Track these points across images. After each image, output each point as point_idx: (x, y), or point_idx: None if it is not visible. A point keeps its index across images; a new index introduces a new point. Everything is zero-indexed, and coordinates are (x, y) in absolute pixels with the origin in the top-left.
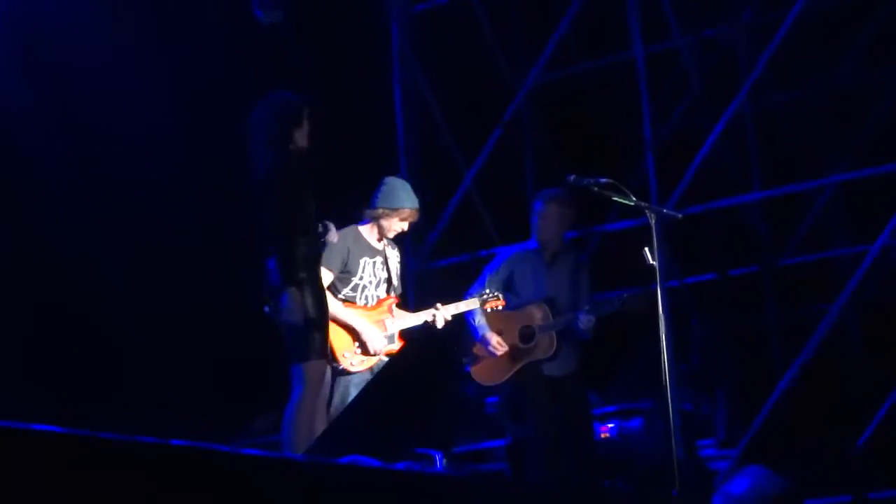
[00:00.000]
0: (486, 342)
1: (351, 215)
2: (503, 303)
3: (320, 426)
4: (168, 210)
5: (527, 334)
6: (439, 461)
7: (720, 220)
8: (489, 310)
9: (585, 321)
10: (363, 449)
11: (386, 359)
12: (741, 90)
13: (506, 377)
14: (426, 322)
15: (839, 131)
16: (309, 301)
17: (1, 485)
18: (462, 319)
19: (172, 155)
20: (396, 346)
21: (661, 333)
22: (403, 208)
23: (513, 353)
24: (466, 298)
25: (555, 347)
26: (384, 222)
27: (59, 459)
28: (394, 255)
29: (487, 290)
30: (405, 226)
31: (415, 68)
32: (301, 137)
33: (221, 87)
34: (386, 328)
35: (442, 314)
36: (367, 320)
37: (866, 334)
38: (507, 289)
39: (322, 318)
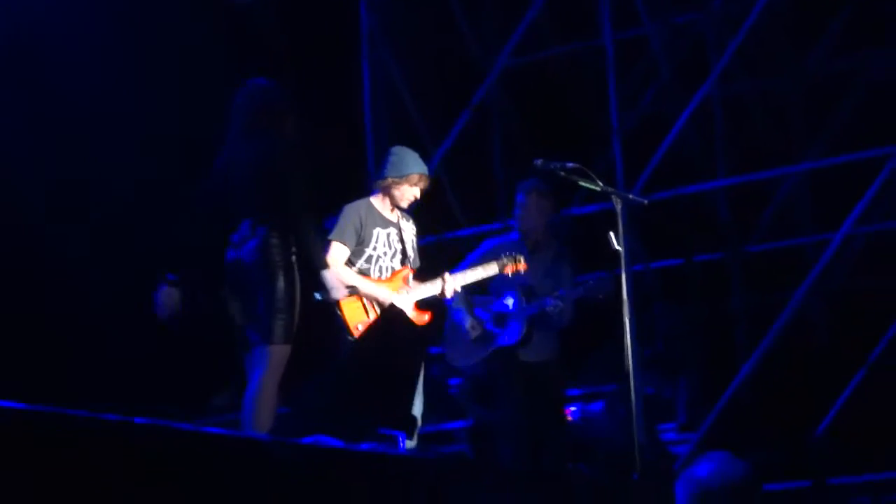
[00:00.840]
0: (462, 322)
1: (321, 195)
2: (525, 266)
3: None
4: (131, 189)
5: (498, 321)
6: (402, 442)
7: (687, 207)
8: (509, 274)
9: (552, 306)
10: (327, 429)
11: None
12: (709, 77)
13: (478, 359)
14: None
15: (807, 120)
16: (293, 285)
17: None
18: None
19: (140, 138)
20: (413, 316)
21: (624, 318)
22: (412, 174)
23: (486, 337)
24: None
25: (523, 334)
26: (395, 191)
27: (23, 435)
28: (409, 228)
29: (507, 253)
30: (416, 192)
31: (383, 49)
32: (290, 126)
33: (193, 70)
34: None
35: (451, 284)
36: (387, 287)
37: (830, 322)
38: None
39: (297, 302)
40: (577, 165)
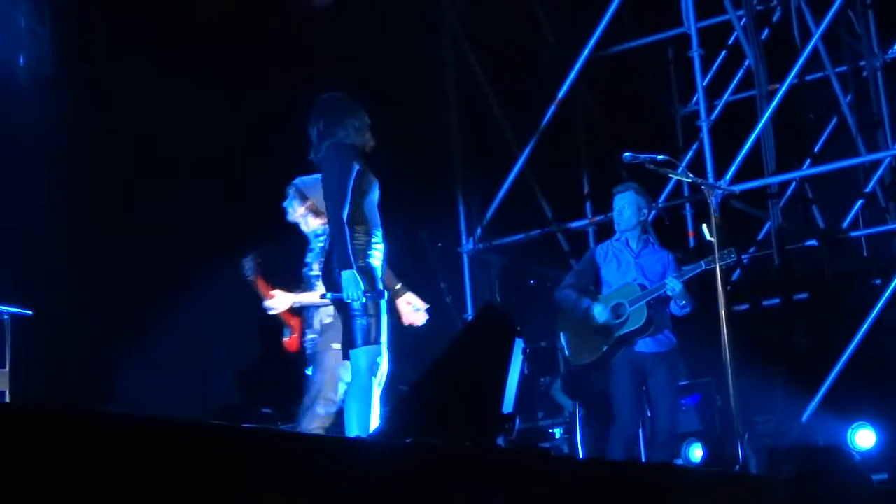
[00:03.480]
0: (590, 311)
1: (401, 201)
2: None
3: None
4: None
5: (618, 311)
6: (501, 440)
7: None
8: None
9: (674, 286)
10: (427, 429)
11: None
12: (796, 65)
13: (599, 354)
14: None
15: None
16: (364, 289)
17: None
18: (533, 300)
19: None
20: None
21: (720, 310)
22: None
23: (605, 330)
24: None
25: (645, 318)
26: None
27: (155, 446)
28: (317, 242)
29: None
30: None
31: (464, 46)
32: (353, 133)
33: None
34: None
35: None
36: None
37: None
38: (597, 280)
39: (374, 307)
40: (667, 157)
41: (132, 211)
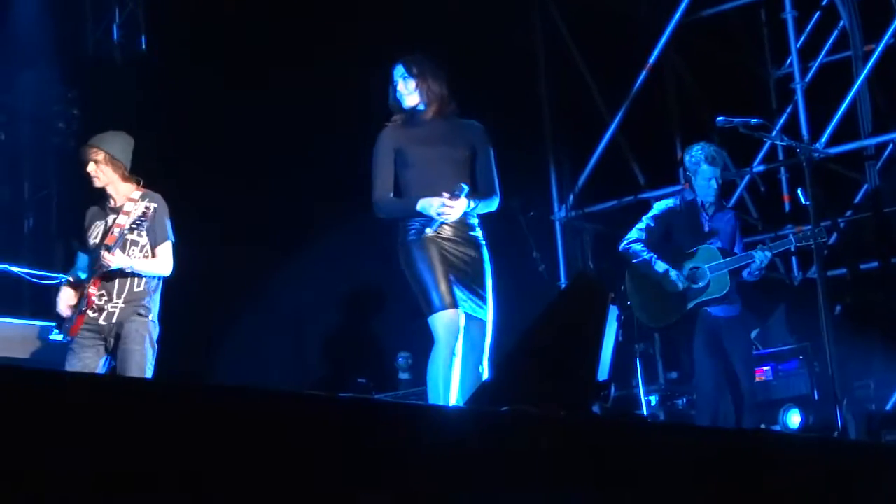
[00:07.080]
0: (668, 276)
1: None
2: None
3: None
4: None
5: (695, 275)
6: (597, 407)
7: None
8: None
9: (763, 259)
10: (522, 398)
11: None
12: (892, 23)
13: (676, 318)
14: None
15: None
16: (415, 258)
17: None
18: (621, 267)
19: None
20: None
21: (817, 274)
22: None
23: (682, 295)
24: (631, 250)
25: (728, 288)
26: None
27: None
28: (136, 208)
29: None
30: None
31: (553, 11)
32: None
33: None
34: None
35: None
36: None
37: None
38: (667, 240)
39: (429, 271)
40: (761, 121)
41: (229, 188)
